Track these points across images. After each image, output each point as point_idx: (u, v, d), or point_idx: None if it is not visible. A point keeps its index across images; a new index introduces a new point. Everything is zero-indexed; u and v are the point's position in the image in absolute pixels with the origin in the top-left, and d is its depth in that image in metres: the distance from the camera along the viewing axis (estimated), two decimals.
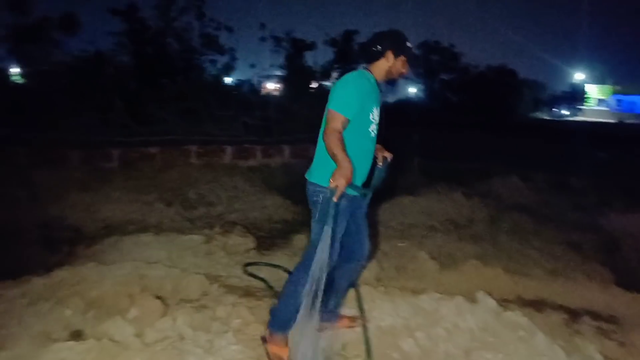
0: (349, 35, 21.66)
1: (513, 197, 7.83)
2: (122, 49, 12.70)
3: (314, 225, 2.86)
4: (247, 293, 3.82)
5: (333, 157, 2.64)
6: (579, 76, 60.88)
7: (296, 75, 16.09)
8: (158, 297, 3.48)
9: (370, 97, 2.84)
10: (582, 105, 56.98)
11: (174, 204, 6.38)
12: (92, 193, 6.39)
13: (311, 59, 17.87)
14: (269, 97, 14.72)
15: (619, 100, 69.97)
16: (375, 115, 2.89)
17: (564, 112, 52.28)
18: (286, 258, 4.73)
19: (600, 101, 67.55)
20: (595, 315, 3.81)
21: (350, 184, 2.65)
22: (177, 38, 13.43)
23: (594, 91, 65.93)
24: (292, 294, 2.82)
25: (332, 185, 2.57)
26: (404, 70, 2.99)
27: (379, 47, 2.90)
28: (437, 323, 3.28)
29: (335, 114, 2.71)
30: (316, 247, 2.66)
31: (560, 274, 4.70)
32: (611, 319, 3.73)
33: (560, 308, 3.91)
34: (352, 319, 3.30)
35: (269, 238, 5.51)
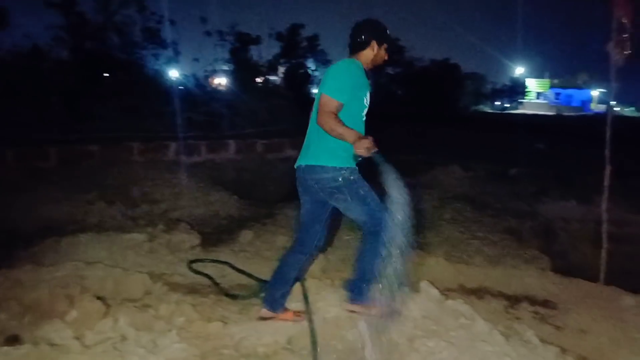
0: (294, 29, 21.62)
1: (455, 187, 8.04)
2: (60, 43, 12.25)
3: (352, 205, 2.98)
4: (192, 290, 3.77)
5: (339, 136, 2.76)
6: (519, 70, 63.04)
7: (242, 70, 15.98)
8: (99, 298, 3.37)
9: (363, 82, 2.95)
10: (523, 98, 59.08)
11: (116, 203, 6.21)
12: (28, 193, 6.14)
13: (257, 53, 17.78)
14: (215, 91, 14.55)
15: (557, 93, 72.92)
16: (367, 100, 3.00)
17: (506, 104, 54.09)
18: (232, 254, 4.69)
19: (540, 94, 70.18)
20: (533, 300, 3.95)
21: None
22: (118, 32, 13.06)
23: (533, 85, 68.41)
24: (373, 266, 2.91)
25: (363, 153, 2.72)
26: (386, 57, 3.11)
27: (363, 37, 3.00)
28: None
29: (329, 99, 2.80)
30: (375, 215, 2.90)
31: (500, 261, 4.84)
32: (548, 303, 3.88)
33: (500, 295, 4.03)
34: (297, 313, 3.32)
35: (215, 234, 5.45)
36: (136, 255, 4.45)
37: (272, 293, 3.22)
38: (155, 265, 4.29)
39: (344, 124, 2.76)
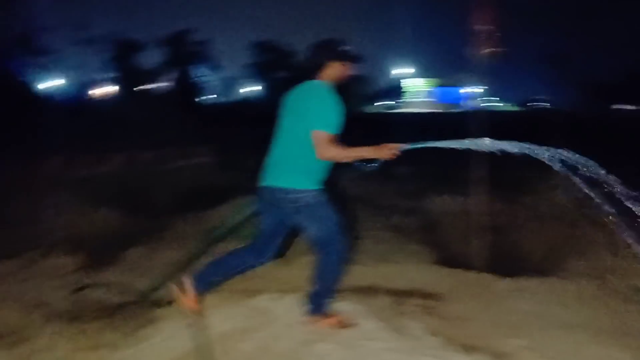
0: (180, 35, 21.10)
1: (346, 188, 8.25)
2: None
3: (311, 225, 3.11)
4: (74, 318, 3.55)
5: (356, 158, 3.02)
6: (401, 71, 65.90)
7: (127, 78, 15.37)
8: None
9: (342, 107, 3.00)
10: (403, 98, 61.88)
11: None
12: None
13: (146, 60, 17.18)
14: (98, 102, 13.85)
15: (443, 92, 77.18)
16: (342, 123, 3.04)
17: (393, 104, 56.46)
18: (118, 273, 4.48)
19: (425, 93, 73.87)
20: (418, 294, 4.14)
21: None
22: None
23: (421, 83, 71.86)
24: (332, 281, 3.21)
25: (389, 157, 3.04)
26: (349, 72, 3.18)
27: (321, 59, 3.09)
28: (275, 320, 3.36)
29: (325, 134, 2.89)
30: (332, 236, 3.09)
31: (389, 258, 5.04)
32: (432, 296, 4.09)
33: (389, 291, 4.18)
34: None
35: (100, 254, 5.16)
36: (9, 284, 4.11)
37: (203, 274, 3.27)
38: (32, 293, 3.99)
39: (347, 147, 2.94)
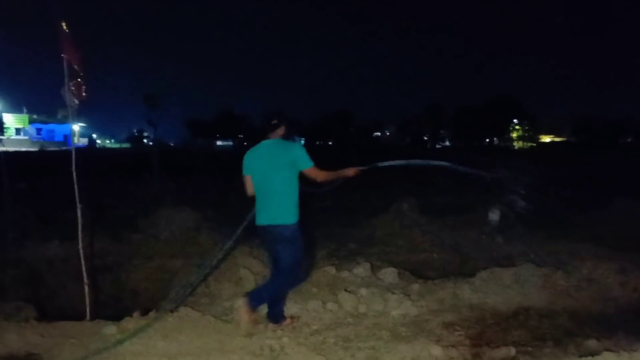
0: None
1: None
2: None
3: (290, 249, 4.15)
4: None
5: (339, 180, 4.50)
6: None
7: None
8: None
9: None
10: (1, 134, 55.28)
11: None
12: None
13: None
14: None
15: (38, 129, 71.47)
16: None
17: None
18: None
19: (20, 130, 67.20)
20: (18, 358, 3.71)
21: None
22: None
23: (11, 120, 64.92)
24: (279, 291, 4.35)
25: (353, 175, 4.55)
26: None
27: (276, 122, 4.23)
28: None
29: (313, 167, 4.16)
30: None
31: None
32: (31, 357, 3.71)
33: None
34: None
35: None
36: None
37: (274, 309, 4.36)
38: None
39: (328, 171, 4.32)
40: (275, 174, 4.10)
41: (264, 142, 4.25)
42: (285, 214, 4.11)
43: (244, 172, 4.27)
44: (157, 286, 6.47)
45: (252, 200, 4.30)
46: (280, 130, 4.24)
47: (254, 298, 4.13)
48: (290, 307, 4.62)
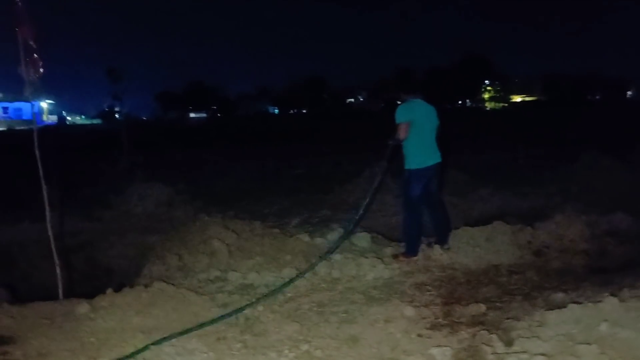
0: None
1: None
2: None
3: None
4: None
5: None
6: None
7: None
8: None
9: None
10: None
11: None
12: None
13: None
14: None
15: (5, 108, 69.55)
16: None
17: None
18: None
19: None
20: None
21: None
22: None
23: None
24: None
25: None
26: None
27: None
28: None
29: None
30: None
31: None
32: (3, 339, 3.67)
33: None
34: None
35: None
36: None
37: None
38: None
39: None
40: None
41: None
42: None
43: None
44: (131, 262, 6.44)
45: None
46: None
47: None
48: (265, 276, 4.65)
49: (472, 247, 5.15)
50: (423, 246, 5.18)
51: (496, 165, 11.90)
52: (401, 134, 4.91)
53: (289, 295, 4.29)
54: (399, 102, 5.21)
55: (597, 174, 8.76)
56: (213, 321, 3.72)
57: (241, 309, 3.94)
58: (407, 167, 5.07)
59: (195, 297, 4.22)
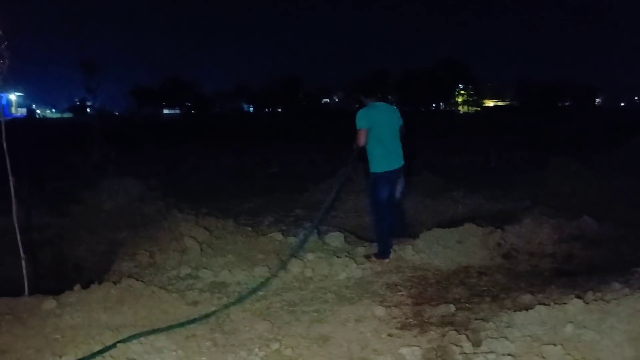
0: None
1: None
2: None
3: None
4: None
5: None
6: None
7: None
8: None
9: None
10: None
11: None
12: None
13: None
14: None
15: None
16: None
17: None
18: None
19: None
20: None
21: None
22: None
23: None
24: None
25: None
26: None
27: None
28: None
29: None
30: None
31: None
32: None
33: None
34: None
35: None
36: None
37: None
38: None
39: None
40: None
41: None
42: None
43: None
44: (101, 259, 6.33)
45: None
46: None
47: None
48: (237, 274, 4.63)
49: (443, 249, 5.20)
50: (395, 247, 5.22)
51: (469, 169, 12.05)
52: (360, 140, 4.95)
53: (261, 293, 4.28)
54: (357, 106, 5.24)
55: (565, 179, 8.94)
56: (182, 324, 3.66)
57: (214, 313, 3.91)
58: (372, 170, 5.12)
59: (165, 294, 4.17)
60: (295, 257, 4.95)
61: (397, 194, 5.26)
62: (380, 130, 4.99)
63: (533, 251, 5.28)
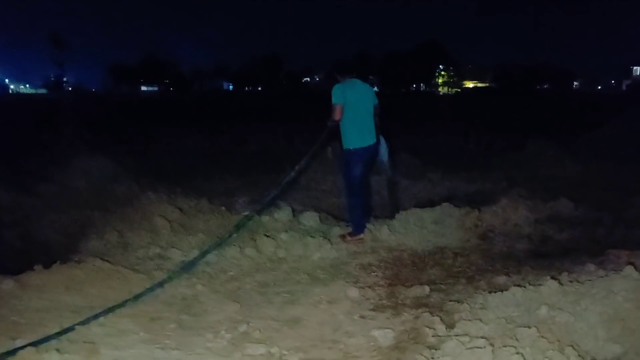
0: None
1: None
2: None
3: None
4: None
5: None
6: None
7: None
8: None
9: None
10: None
11: None
12: None
13: None
14: None
15: None
16: None
17: None
18: None
19: None
20: None
21: None
22: None
23: None
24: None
25: None
26: None
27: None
28: None
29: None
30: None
31: None
32: None
33: None
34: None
35: None
36: None
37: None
38: None
39: None
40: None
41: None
42: None
43: None
44: (71, 239, 6.14)
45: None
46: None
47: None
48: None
49: (420, 229, 5.14)
50: (370, 226, 5.15)
51: (447, 150, 12.02)
52: (335, 115, 4.88)
53: (231, 274, 4.17)
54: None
55: (542, 162, 8.97)
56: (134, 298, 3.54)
57: (161, 283, 3.79)
58: (345, 147, 5.05)
59: (133, 274, 4.04)
60: (268, 236, 4.84)
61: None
62: (354, 107, 4.91)
63: (509, 232, 5.25)
